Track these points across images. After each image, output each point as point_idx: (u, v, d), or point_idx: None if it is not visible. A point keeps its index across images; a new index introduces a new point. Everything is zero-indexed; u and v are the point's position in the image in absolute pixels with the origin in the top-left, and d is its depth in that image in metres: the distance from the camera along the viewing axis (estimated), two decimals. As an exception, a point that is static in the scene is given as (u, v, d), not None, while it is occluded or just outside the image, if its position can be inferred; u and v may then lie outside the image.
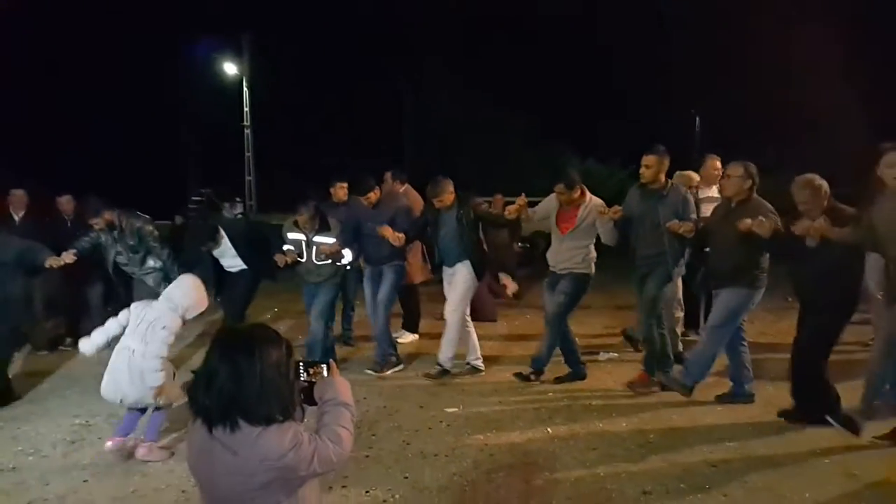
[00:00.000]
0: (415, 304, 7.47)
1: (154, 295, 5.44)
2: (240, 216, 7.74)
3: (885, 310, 4.58)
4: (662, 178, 5.36)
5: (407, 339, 7.31)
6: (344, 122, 25.56)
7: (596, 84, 25.61)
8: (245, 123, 22.18)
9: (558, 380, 5.78)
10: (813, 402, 4.62)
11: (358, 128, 25.31)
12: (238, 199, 9.29)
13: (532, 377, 5.81)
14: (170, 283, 5.14)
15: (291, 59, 24.48)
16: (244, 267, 6.23)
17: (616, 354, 6.66)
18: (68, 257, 5.62)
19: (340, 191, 7.01)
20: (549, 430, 4.74)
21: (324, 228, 5.97)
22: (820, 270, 4.41)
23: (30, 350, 7.04)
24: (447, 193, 5.84)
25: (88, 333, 4.43)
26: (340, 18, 25.93)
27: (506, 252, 9.61)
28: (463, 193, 5.96)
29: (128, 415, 4.38)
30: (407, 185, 7.17)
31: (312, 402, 2.23)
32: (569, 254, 5.63)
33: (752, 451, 4.26)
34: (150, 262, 6.13)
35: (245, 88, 22.30)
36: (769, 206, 4.87)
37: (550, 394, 5.55)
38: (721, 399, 5.18)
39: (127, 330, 4.26)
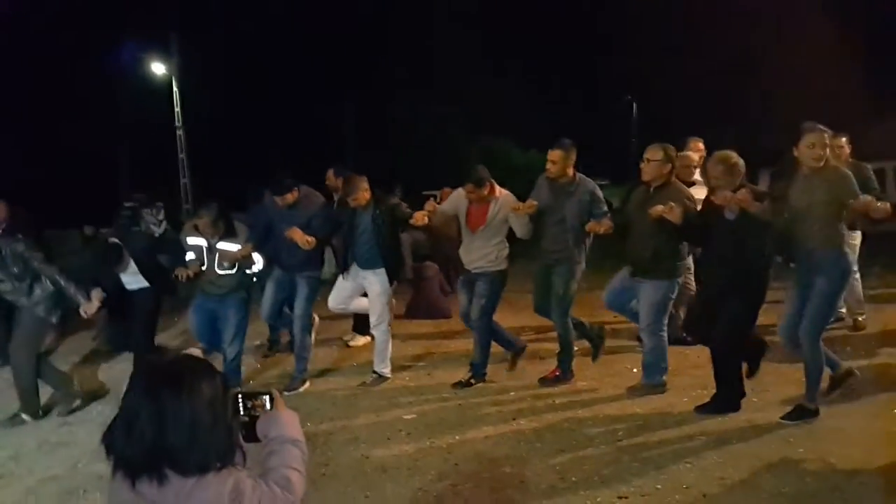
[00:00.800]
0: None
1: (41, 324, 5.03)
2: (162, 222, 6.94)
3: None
4: (570, 171, 5.25)
5: (359, 341, 6.99)
6: (285, 119, 24.89)
7: (533, 71, 25.62)
8: (177, 124, 21.31)
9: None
10: (730, 392, 4.61)
11: (299, 125, 24.69)
12: (159, 204, 8.76)
13: (473, 381, 5.53)
14: (62, 309, 4.83)
15: (222, 56, 23.67)
16: (144, 285, 5.63)
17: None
18: None
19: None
20: (514, 432, 4.52)
21: (229, 234, 5.42)
22: (726, 256, 4.45)
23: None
24: (361, 191, 5.47)
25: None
26: (275, 13, 25.21)
27: (453, 245, 9.36)
28: (380, 192, 5.66)
29: None
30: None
31: (255, 439, 1.93)
32: (481, 252, 5.42)
33: (725, 445, 4.12)
34: (38, 291, 5.02)
35: (175, 89, 21.42)
36: (688, 191, 4.86)
37: (512, 393, 5.33)
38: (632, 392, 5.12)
39: None
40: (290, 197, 5.55)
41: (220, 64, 23.44)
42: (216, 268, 5.39)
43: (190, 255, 5.45)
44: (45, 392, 5.29)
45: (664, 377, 5.13)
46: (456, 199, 5.54)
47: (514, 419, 4.76)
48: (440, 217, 5.58)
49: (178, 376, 1.70)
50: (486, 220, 5.35)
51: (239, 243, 5.40)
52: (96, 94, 23.85)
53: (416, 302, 8.38)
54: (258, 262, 5.60)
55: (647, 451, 4.12)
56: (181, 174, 20.95)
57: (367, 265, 5.60)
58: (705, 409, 4.64)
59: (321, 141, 23.77)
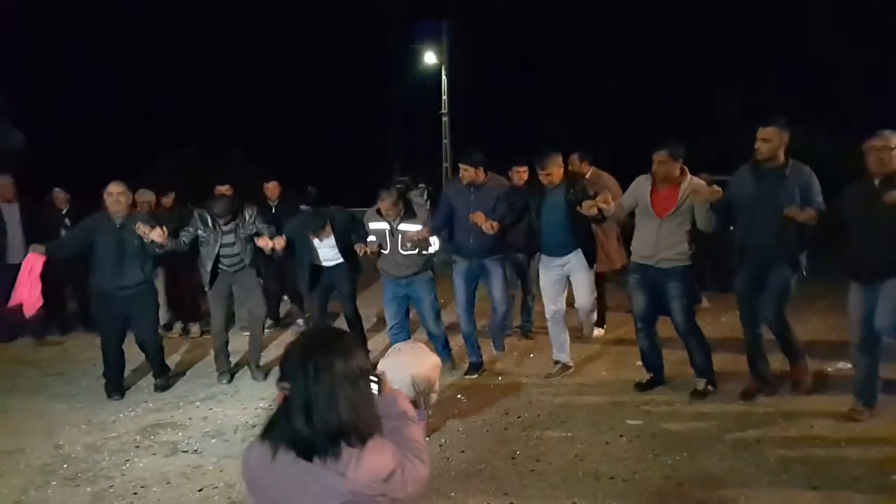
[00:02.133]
0: (602, 295, 6.79)
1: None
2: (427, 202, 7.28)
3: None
4: (782, 155, 4.50)
5: (596, 332, 6.67)
6: (536, 103, 24.91)
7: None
8: (443, 111, 22.51)
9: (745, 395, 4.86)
10: None
11: (549, 108, 24.52)
12: (422, 185, 9.16)
13: (710, 388, 4.98)
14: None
15: (487, 44, 24.37)
16: (341, 260, 5.82)
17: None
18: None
19: (516, 175, 6.55)
20: (753, 460, 3.92)
21: (409, 215, 5.44)
22: None
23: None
24: (556, 167, 5.17)
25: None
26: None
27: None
28: (573, 174, 5.32)
29: None
30: (594, 168, 6.52)
31: None
32: (670, 240, 4.74)
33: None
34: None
35: (444, 77, 22.63)
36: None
37: (760, 412, 4.65)
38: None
39: None
40: (476, 173, 5.36)
41: (486, 49, 24.16)
42: (399, 248, 5.42)
43: (371, 239, 5.54)
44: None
45: None
46: (633, 188, 5.02)
47: (757, 442, 4.14)
48: (618, 212, 5.11)
49: (348, 356, 1.78)
50: (675, 204, 4.73)
51: (419, 223, 5.41)
52: (371, 80, 26.11)
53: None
54: (435, 244, 5.61)
55: None
56: (443, 158, 22.09)
57: (560, 250, 5.33)
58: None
59: (578, 126, 23.38)
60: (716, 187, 4.58)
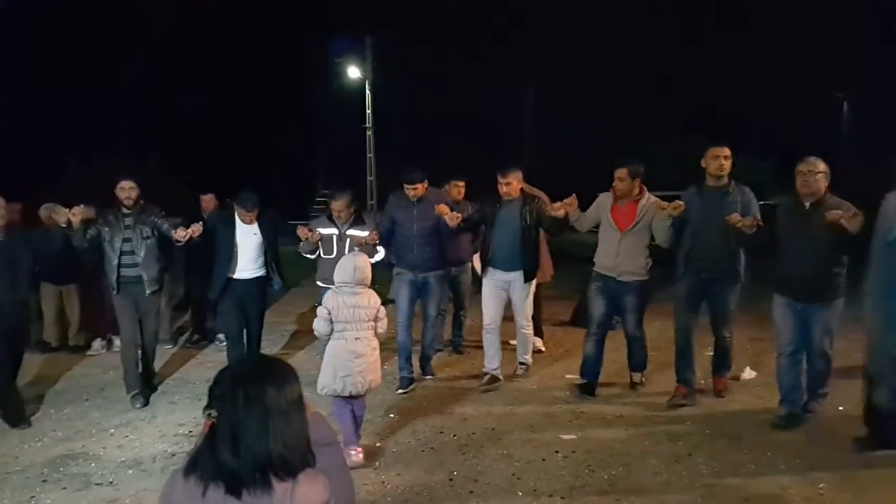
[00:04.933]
0: (538, 307, 6.79)
1: None
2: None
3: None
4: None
5: (537, 343, 6.64)
6: (461, 119, 25.18)
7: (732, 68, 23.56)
8: (367, 125, 22.42)
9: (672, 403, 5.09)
10: None
11: (475, 123, 24.83)
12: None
13: (643, 380, 5.55)
14: None
15: (409, 59, 24.45)
16: (259, 274, 5.64)
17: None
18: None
19: (454, 189, 6.56)
20: (686, 473, 3.99)
21: (357, 222, 5.63)
22: None
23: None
24: (516, 179, 5.36)
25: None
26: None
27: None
28: (528, 192, 5.51)
29: (351, 417, 4.16)
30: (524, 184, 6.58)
31: None
32: (630, 254, 5.06)
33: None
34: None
35: (368, 91, 22.56)
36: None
37: (688, 423, 4.77)
38: None
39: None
40: (420, 188, 5.51)
41: (406, 64, 24.23)
42: (346, 253, 5.33)
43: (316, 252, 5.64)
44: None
45: None
46: (596, 205, 5.30)
47: (689, 454, 4.23)
48: (584, 222, 5.35)
49: (280, 384, 1.69)
50: (635, 219, 5.06)
51: (366, 230, 5.53)
52: (298, 95, 25.79)
53: (585, 307, 7.90)
54: (381, 252, 5.65)
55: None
56: (368, 172, 21.98)
57: (510, 266, 5.50)
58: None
59: (499, 141, 23.74)
60: (678, 202, 4.83)
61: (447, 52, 24.89)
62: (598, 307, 5.32)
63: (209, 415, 1.67)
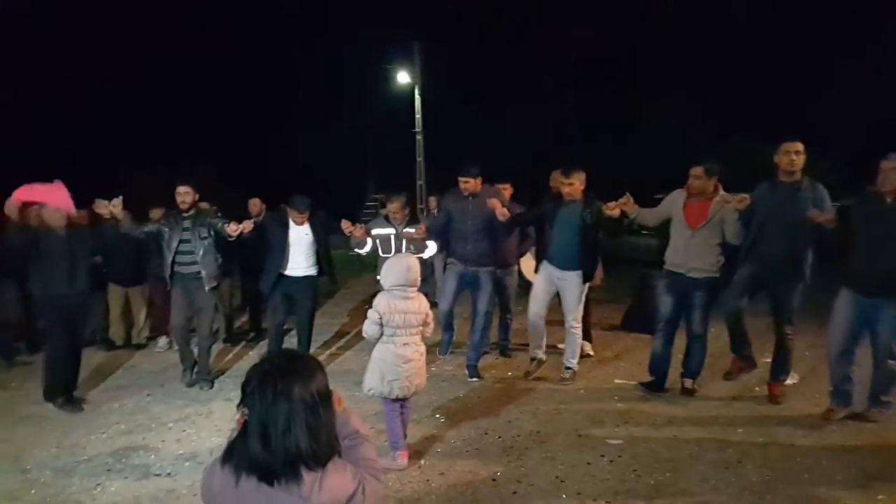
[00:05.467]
0: (588, 311, 6.75)
1: None
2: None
3: None
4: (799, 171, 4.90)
5: (586, 348, 6.63)
6: (514, 121, 25.11)
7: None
8: (416, 130, 22.60)
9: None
10: None
11: (526, 126, 24.72)
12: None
13: (696, 387, 5.46)
14: None
15: (456, 64, 24.59)
16: (310, 273, 6.01)
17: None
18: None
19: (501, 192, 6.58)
20: (735, 480, 3.92)
21: (413, 221, 5.87)
22: None
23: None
24: (579, 180, 5.47)
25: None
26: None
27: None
28: (591, 194, 5.56)
29: (399, 421, 4.22)
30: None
31: None
32: (700, 250, 5.08)
33: None
34: None
35: (417, 96, 22.74)
36: None
37: (740, 429, 4.69)
38: None
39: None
40: (475, 183, 5.71)
41: (457, 69, 24.37)
42: (403, 252, 5.61)
43: (367, 247, 5.80)
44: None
45: None
46: (668, 200, 5.35)
47: (738, 462, 4.16)
48: (650, 218, 5.42)
49: (306, 379, 1.77)
50: (707, 216, 5.08)
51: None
52: (349, 101, 26.20)
53: (635, 312, 7.84)
54: (432, 247, 5.88)
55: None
56: (417, 176, 22.14)
57: (567, 265, 5.57)
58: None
59: (547, 141, 23.58)
60: (743, 195, 4.85)
61: (496, 56, 24.88)
62: (666, 304, 5.37)
63: (242, 411, 1.77)
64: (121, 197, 5.45)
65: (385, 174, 24.58)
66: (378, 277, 5.85)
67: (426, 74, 22.81)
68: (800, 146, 4.83)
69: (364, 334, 4.21)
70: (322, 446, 1.75)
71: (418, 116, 22.72)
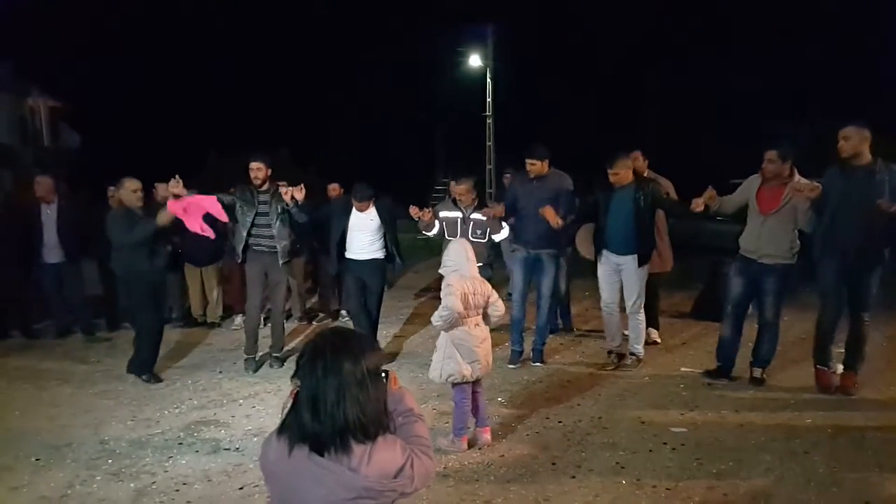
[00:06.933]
0: (655, 297, 6.56)
1: None
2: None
3: None
4: (867, 153, 4.66)
5: (652, 335, 6.53)
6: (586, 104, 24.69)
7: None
8: (487, 114, 22.49)
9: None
10: None
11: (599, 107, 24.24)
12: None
13: (765, 376, 5.27)
14: None
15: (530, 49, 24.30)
16: (375, 256, 5.97)
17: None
18: None
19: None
20: (801, 470, 3.78)
21: (482, 205, 5.79)
22: None
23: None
24: (624, 167, 5.39)
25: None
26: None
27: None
28: (644, 177, 5.50)
29: (471, 404, 4.28)
30: (649, 170, 6.37)
31: None
32: (772, 236, 4.94)
33: None
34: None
35: (489, 79, 22.62)
36: None
37: (808, 419, 4.50)
38: None
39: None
40: (542, 166, 5.65)
41: (530, 53, 24.08)
42: (470, 236, 5.57)
43: (435, 229, 5.79)
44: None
45: None
46: (744, 186, 5.22)
47: (805, 452, 4.00)
48: (728, 206, 5.27)
49: (358, 354, 1.81)
50: (780, 202, 4.94)
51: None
52: (421, 84, 26.38)
53: (706, 299, 7.59)
54: (505, 229, 5.84)
55: None
56: (486, 160, 22.06)
57: (623, 250, 5.53)
58: None
59: (621, 126, 23.05)
60: (815, 184, 4.69)
61: (567, 41, 24.46)
62: (736, 287, 5.28)
63: (295, 384, 1.84)
64: (177, 176, 5.52)
65: (455, 158, 24.61)
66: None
67: (499, 58, 22.65)
68: (848, 131, 4.64)
69: (438, 320, 4.10)
70: (370, 420, 1.79)
71: (489, 100, 22.61)
